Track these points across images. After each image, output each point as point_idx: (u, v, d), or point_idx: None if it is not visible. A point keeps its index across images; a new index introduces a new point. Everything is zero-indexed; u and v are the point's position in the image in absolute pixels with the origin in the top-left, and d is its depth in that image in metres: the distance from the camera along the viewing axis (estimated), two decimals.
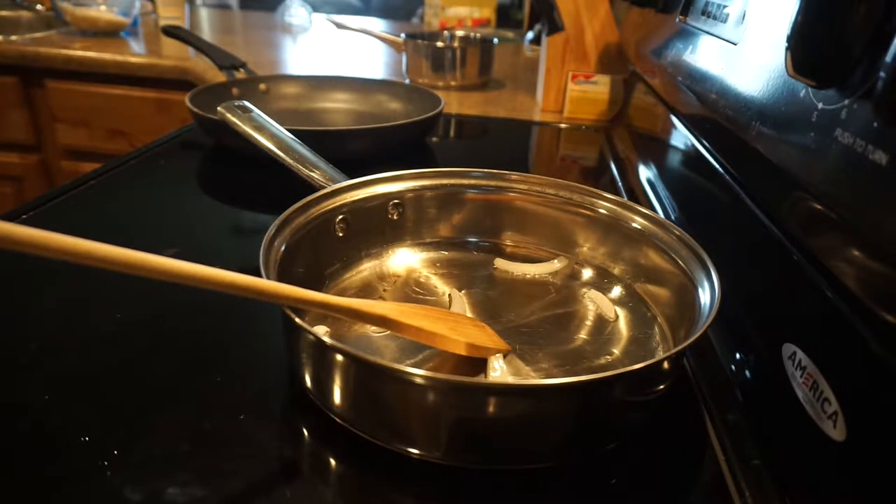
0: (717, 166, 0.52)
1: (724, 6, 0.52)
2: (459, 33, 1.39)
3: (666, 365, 0.34)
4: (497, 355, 0.40)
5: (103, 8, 1.49)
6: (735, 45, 0.47)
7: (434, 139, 0.94)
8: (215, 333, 0.44)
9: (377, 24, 2.11)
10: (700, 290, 0.39)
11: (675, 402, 0.39)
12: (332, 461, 0.34)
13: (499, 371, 0.39)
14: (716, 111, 0.48)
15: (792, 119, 0.34)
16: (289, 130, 0.55)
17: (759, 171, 0.39)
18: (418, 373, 0.30)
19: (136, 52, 1.32)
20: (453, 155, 0.94)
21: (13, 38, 1.37)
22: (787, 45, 0.32)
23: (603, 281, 0.50)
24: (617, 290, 0.49)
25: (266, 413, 0.36)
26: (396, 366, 0.31)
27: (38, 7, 1.66)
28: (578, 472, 0.34)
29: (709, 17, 0.56)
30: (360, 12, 2.71)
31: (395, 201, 0.51)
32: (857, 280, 0.28)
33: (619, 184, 0.79)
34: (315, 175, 0.51)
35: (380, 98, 0.99)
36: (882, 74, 0.26)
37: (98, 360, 0.40)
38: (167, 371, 0.39)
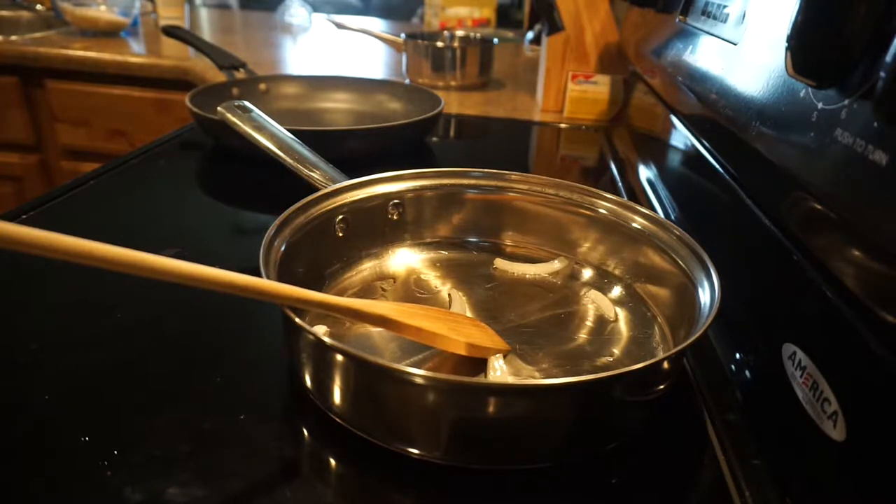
0: (717, 166, 0.52)
1: (724, 6, 0.52)
2: (459, 33, 1.39)
3: (666, 365, 0.34)
4: (497, 355, 0.40)
5: (103, 8, 1.49)
6: (735, 45, 0.47)
7: (434, 139, 0.94)
8: (215, 333, 0.44)
9: (377, 24, 2.11)
10: (700, 290, 0.39)
11: (675, 402, 0.39)
12: (332, 461, 0.34)
13: (499, 371, 0.39)
14: (716, 111, 0.48)
15: (792, 119, 0.34)
16: (289, 130, 0.55)
17: (759, 171, 0.39)
18: (418, 373, 0.30)
19: (136, 52, 1.32)
20: (453, 155, 0.93)
21: (13, 38, 1.37)
22: (787, 45, 0.32)
23: (603, 281, 0.50)
24: (617, 290, 0.49)
25: (266, 413, 0.36)
26: (396, 366, 0.31)
27: (38, 7, 1.66)
28: (578, 472, 0.34)
29: (709, 17, 0.56)
30: (360, 12, 2.71)
31: (395, 201, 0.51)
32: (857, 280, 0.28)
33: (619, 184, 0.79)
34: (315, 175, 0.51)
35: (380, 98, 0.99)
36: (882, 74, 0.26)
37: (98, 360, 0.40)
38: (167, 371, 0.39)
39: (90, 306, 0.45)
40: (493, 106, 1.12)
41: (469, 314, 0.45)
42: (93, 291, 0.47)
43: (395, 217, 0.52)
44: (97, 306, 0.45)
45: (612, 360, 0.41)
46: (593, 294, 0.48)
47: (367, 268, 0.50)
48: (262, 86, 0.95)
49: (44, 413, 0.35)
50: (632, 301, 0.48)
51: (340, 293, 0.46)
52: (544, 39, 1.09)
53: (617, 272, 0.50)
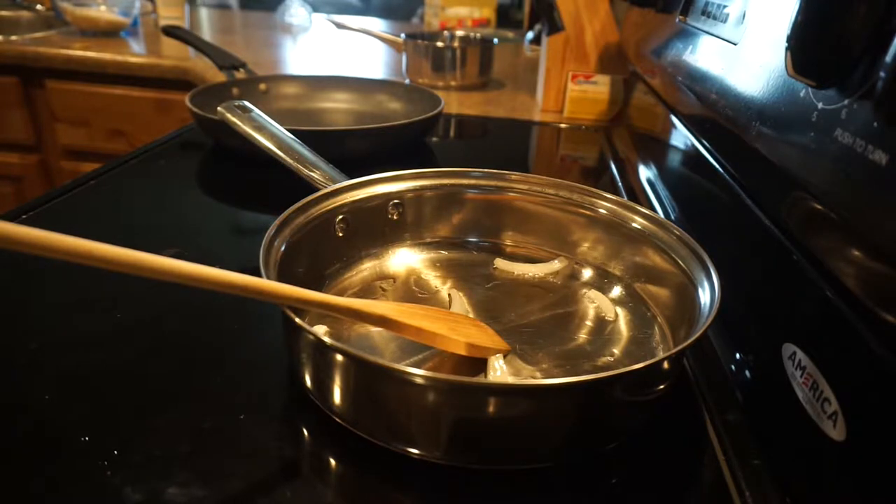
0: (717, 166, 0.52)
1: (724, 6, 0.52)
2: (459, 33, 1.39)
3: (666, 365, 0.34)
4: (497, 355, 0.40)
5: (103, 8, 1.49)
6: (735, 45, 0.47)
7: (434, 139, 0.94)
8: (215, 333, 0.44)
9: (377, 24, 2.11)
10: (700, 290, 0.39)
11: (675, 402, 0.39)
12: (332, 461, 0.34)
13: (499, 371, 0.39)
14: (716, 111, 0.48)
15: (792, 119, 0.34)
16: (289, 130, 0.55)
17: (759, 171, 0.39)
18: (418, 373, 0.30)
19: (136, 52, 1.32)
20: (453, 155, 0.93)
21: (13, 38, 1.37)
22: (787, 45, 0.32)
23: (603, 281, 0.50)
24: (617, 290, 0.49)
25: (266, 413, 0.36)
26: (396, 366, 0.31)
27: (38, 7, 1.66)
28: (578, 472, 0.34)
29: (709, 17, 0.56)
30: (360, 12, 2.71)
31: (395, 201, 0.51)
32: (857, 280, 0.28)
33: (619, 184, 0.79)
34: (315, 175, 0.51)
35: (380, 98, 0.99)
36: (882, 74, 0.26)
37: (98, 360, 0.40)
38: (167, 371, 0.39)
39: (90, 306, 0.45)
40: (493, 106, 1.12)
41: (469, 314, 0.45)
42: (93, 291, 0.47)
43: (395, 217, 0.52)
44: (97, 306, 0.45)
45: (612, 360, 0.41)
46: (593, 294, 0.48)
47: (367, 268, 0.50)
48: (262, 86, 0.95)
49: (44, 413, 0.35)
50: (632, 301, 0.48)
51: (340, 293, 0.46)
52: (544, 39, 1.09)
53: (617, 272, 0.50)
